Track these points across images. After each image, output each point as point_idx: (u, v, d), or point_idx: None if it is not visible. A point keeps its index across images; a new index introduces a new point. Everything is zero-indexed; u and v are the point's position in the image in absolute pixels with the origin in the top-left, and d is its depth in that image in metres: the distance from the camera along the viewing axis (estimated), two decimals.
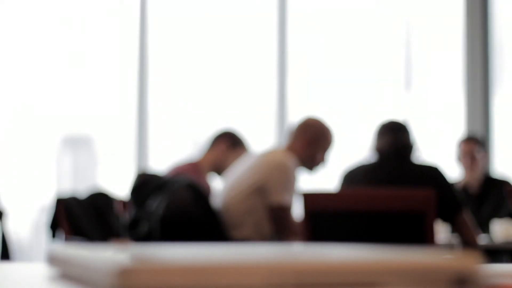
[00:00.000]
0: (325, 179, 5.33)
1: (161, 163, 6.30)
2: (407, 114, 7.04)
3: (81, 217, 4.26)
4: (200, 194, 3.90)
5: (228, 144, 4.71)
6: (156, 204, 3.82)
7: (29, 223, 6.97)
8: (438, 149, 6.84)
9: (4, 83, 6.87)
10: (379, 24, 7.35)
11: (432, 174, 3.64)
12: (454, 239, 3.82)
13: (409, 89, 7.40)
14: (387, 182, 3.63)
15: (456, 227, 3.69)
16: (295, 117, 4.56)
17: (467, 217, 3.70)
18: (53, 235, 4.27)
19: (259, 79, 7.22)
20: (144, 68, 7.01)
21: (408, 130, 3.80)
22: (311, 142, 4.08)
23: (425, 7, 7.41)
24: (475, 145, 5.36)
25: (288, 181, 3.93)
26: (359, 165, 3.79)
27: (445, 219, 3.66)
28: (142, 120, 6.98)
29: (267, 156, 4.02)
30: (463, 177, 5.30)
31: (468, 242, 3.72)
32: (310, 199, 3.44)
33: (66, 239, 4.19)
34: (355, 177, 3.75)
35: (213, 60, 7.15)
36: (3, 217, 3.67)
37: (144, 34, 7.02)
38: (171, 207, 3.79)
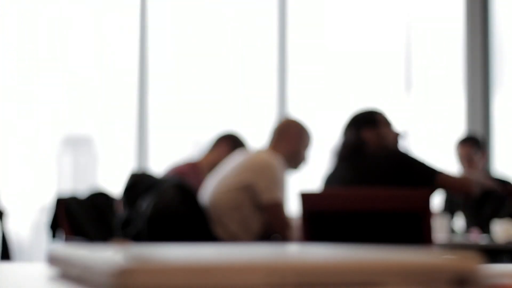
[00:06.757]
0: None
1: (161, 163, 6.30)
2: (407, 115, 7.05)
3: (81, 217, 4.26)
4: (188, 193, 3.91)
5: (230, 146, 4.71)
6: (146, 204, 3.84)
7: (29, 223, 6.97)
8: (438, 149, 6.84)
9: (4, 83, 6.87)
10: (379, 24, 7.35)
11: (395, 157, 3.62)
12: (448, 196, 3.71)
13: (409, 89, 7.40)
14: (356, 179, 3.63)
15: (442, 185, 3.61)
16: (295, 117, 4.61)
17: (447, 173, 3.62)
18: (53, 235, 4.27)
19: (259, 79, 7.22)
20: (144, 68, 7.01)
21: (374, 119, 3.78)
22: (294, 140, 4.18)
23: (425, 8, 7.41)
24: (471, 147, 5.34)
25: (276, 178, 3.97)
26: (333, 166, 3.80)
27: (427, 186, 3.57)
28: (142, 120, 6.98)
29: (253, 156, 4.07)
30: None
31: (460, 186, 3.64)
32: (309, 199, 3.44)
33: (66, 239, 4.19)
34: (331, 179, 3.77)
35: (213, 60, 7.15)
36: (3, 217, 3.67)
37: (144, 34, 7.02)
38: (158, 206, 3.81)
